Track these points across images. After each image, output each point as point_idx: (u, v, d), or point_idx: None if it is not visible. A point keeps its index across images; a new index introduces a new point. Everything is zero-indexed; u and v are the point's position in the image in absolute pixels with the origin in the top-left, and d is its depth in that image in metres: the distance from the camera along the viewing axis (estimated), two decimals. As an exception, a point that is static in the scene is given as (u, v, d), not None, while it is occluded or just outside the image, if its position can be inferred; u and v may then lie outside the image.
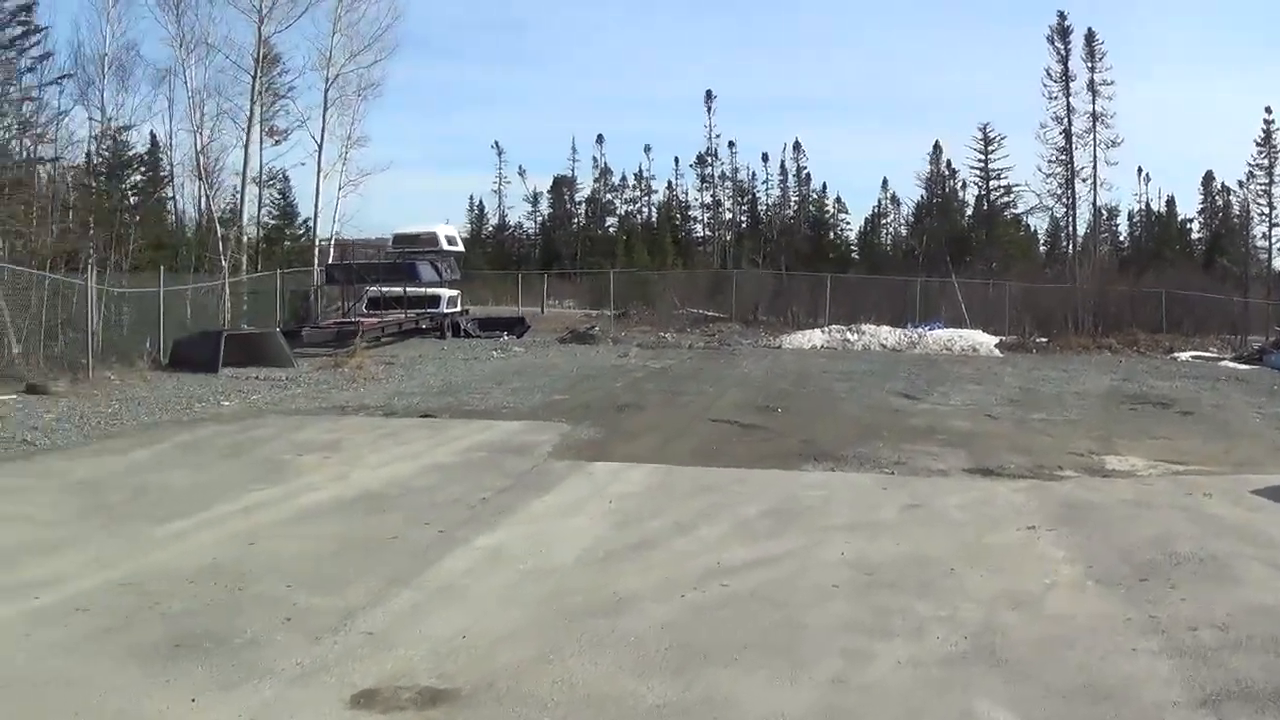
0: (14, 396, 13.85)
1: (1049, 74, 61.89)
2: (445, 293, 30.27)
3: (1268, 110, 66.92)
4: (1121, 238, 78.96)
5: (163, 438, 11.11)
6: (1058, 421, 13.47)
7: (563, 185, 79.05)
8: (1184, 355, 29.04)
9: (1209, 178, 76.29)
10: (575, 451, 10.44)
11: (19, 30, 21.77)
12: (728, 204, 78.58)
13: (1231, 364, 26.42)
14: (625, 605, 5.52)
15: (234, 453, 10.19)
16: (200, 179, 32.54)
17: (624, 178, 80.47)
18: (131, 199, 28.99)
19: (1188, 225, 78.30)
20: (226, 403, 14.11)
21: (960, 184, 73.62)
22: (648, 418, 13.07)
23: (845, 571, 6.19)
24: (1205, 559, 6.56)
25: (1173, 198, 79.41)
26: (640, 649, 4.91)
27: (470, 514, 7.65)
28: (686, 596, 5.67)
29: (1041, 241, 73.08)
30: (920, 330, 29.40)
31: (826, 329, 30.06)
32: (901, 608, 5.52)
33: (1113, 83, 61.26)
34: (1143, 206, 79.90)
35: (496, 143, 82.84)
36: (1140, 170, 77.66)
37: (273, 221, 43.59)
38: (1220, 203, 75.46)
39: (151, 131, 35.25)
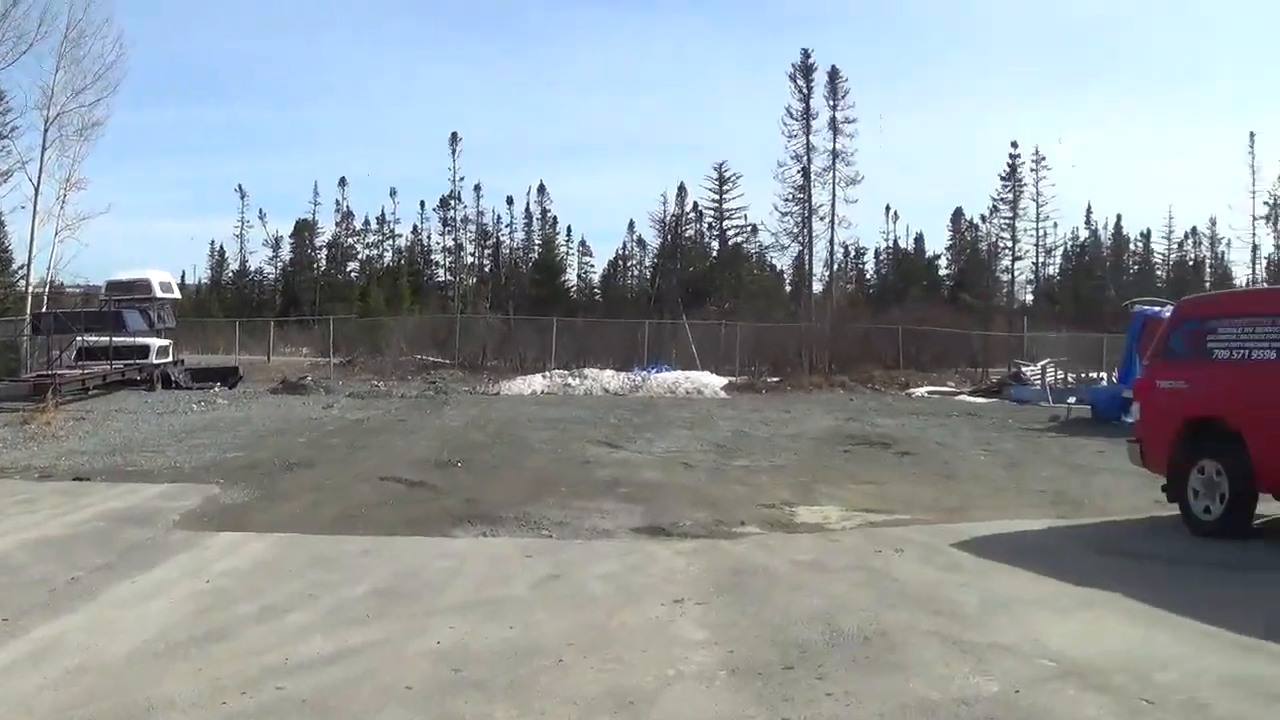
0: None
1: (790, 112, 62.67)
2: (155, 342, 29.17)
3: (1013, 145, 71.98)
4: (869, 276, 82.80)
5: None
6: (761, 469, 13.04)
7: (304, 229, 77.43)
8: (920, 391, 29.34)
9: (958, 214, 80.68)
10: (207, 520, 9.78)
11: None
12: (471, 248, 78.83)
13: (969, 398, 27.02)
14: (149, 716, 4.75)
15: None
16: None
17: (367, 221, 79.59)
18: None
19: (935, 262, 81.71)
20: None
21: (706, 225, 75.31)
22: (313, 477, 12.44)
23: (429, 667, 5.38)
24: (871, 637, 5.84)
25: (921, 235, 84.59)
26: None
27: (48, 598, 6.90)
28: (228, 704, 4.85)
29: (788, 282, 74.48)
30: (645, 373, 29.60)
31: (549, 374, 29.99)
32: (476, 715, 4.71)
33: (855, 120, 62.56)
34: (890, 244, 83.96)
35: (240, 186, 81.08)
36: (888, 209, 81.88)
37: (-15, 268, 40.63)
38: (969, 238, 79.45)
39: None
